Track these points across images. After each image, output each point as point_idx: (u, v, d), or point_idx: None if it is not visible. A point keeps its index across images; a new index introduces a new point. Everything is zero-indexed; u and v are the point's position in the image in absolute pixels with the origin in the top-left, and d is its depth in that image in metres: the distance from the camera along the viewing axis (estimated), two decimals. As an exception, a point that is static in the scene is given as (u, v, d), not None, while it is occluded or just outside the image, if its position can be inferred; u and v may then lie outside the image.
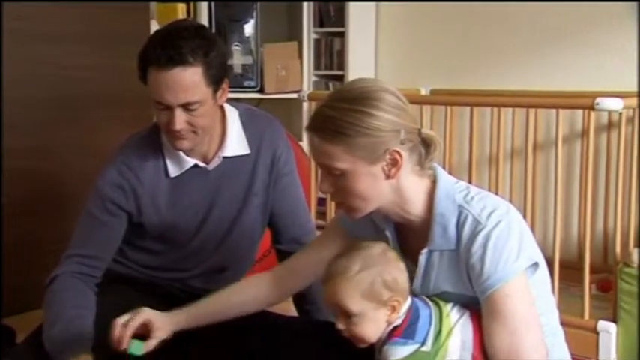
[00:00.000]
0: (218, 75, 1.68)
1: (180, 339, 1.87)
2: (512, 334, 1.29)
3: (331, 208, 2.91)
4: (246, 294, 1.62)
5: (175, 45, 1.62)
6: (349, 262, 1.34)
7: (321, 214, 3.11)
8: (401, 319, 1.34)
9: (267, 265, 2.79)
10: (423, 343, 1.31)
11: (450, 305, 1.37)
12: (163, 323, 1.53)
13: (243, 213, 1.88)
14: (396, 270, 1.34)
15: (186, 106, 1.65)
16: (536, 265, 1.35)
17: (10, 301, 2.42)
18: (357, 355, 1.48)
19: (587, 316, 2.45)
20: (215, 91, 1.70)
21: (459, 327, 1.35)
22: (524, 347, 1.29)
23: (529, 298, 1.33)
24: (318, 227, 2.16)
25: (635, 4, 2.99)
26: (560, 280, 2.38)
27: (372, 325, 1.33)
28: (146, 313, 1.52)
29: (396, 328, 1.33)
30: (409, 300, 1.36)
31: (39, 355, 1.64)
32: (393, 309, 1.33)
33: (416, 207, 1.38)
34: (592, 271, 2.51)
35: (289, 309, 2.16)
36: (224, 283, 1.97)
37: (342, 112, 1.31)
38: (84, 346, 1.61)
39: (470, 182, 2.62)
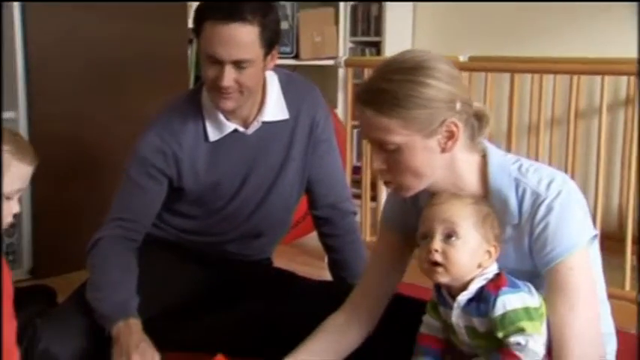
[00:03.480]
0: (272, 39, 1.69)
1: (210, 304, 1.90)
2: (571, 309, 1.27)
3: (366, 177, 2.89)
4: (329, 352, 1.46)
5: (235, 2, 1.63)
6: (462, 196, 1.31)
7: (356, 183, 3.10)
8: (492, 274, 1.29)
9: (302, 230, 2.81)
10: (531, 296, 1.27)
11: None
12: None
13: (281, 178, 1.88)
14: (498, 225, 1.31)
15: (237, 64, 1.65)
16: (595, 236, 1.33)
17: (47, 264, 2.46)
18: (389, 319, 1.48)
19: (627, 287, 2.41)
20: (266, 55, 1.69)
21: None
22: (580, 323, 1.27)
23: (590, 271, 1.30)
24: (353, 196, 2.15)
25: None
26: (601, 252, 2.33)
27: (467, 256, 1.26)
28: None
29: (496, 283, 1.28)
30: (496, 265, 1.32)
31: (85, 313, 1.67)
32: (489, 254, 1.28)
33: (470, 183, 1.34)
34: (633, 242, 2.46)
35: (325, 275, 2.16)
36: (259, 249, 2.00)
37: (397, 84, 1.26)
38: (131, 310, 1.65)
39: (508, 151, 2.58)
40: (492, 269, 1.30)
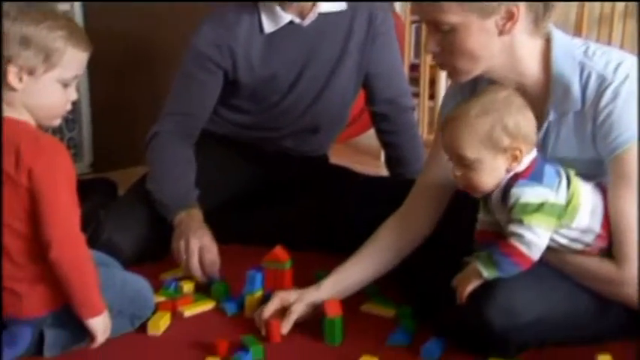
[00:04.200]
0: None
1: (267, 199, 1.91)
2: (637, 197, 1.22)
3: (425, 74, 2.81)
4: (381, 258, 1.45)
5: None
6: (469, 106, 1.26)
7: (414, 80, 3.02)
8: (523, 166, 1.26)
9: (358, 129, 2.77)
10: (553, 191, 1.24)
11: (574, 171, 1.29)
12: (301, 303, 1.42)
13: (338, 72, 1.83)
14: (520, 116, 1.25)
15: None
16: None
17: (107, 159, 2.51)
18: (453, 215, 1.45)
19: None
20: None
21: (588, 191, 1.27)
22: None
23: None
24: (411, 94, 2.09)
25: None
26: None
27: (489, 173, 1.25)
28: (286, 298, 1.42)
29: (518, 174, 1.26)
30: (534, 152, 1.28)
31: (146, 204, 1.70)
32: (514, 158, 1.25)
33: (531, 67, 1.28)
34: None
35: (381, 174, 2.14)
36: (316, 144, 1.98)
37: None
38: (192, 201, 1.68)
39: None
40: (525, 162, 1.26)
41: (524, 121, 1.25)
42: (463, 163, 1.26)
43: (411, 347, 1.35)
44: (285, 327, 1.37)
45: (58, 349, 1.30)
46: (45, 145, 1.24)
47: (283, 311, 1.40)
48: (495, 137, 1.23)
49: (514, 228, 1.22)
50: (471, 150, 1.24)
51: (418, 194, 1.47)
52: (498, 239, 1.28)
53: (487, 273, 1.24)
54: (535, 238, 1.22)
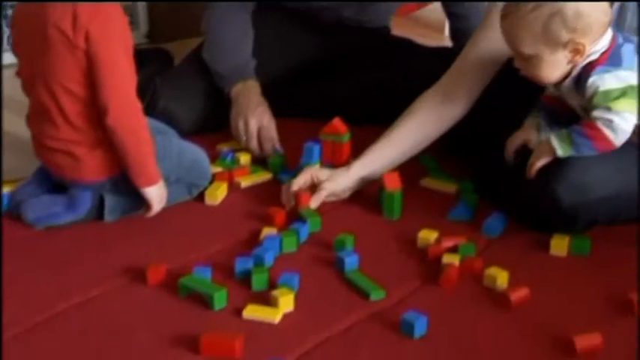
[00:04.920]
0: None
1: (325, 72, 1.85)
2: None
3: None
4: (416, 136, 1.40)
5: None
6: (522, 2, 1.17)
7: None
8: (597, 53, 1.18)
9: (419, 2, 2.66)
10: (635, 72, 1.16)
11: None
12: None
13: None
14: (584, 4, 1.15)
15: None
16: None
17: (163, 29, 2.47)
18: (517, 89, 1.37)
19: None
20: None
21: None
22: None
23: None
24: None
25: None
26: None
27: (549, 68, 1.20)
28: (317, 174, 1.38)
29: (593, 62, 1.18)
30: (609, 33, 1.19)
31: (203, 74, 1.67)
32: (577, 52, 1.17)
33: None
34: None
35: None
36: (376, 14, 1.89)
37: None
38: (249, 72, 1.64)
39: None
40: (599, 47, 1.18)
41: (588, 9, 1.14)
42: (521, 57, 1.20)
43: (472, 222, 1.32)
44: (314, 203, 1.35)
45: (117, 214, 1.31)
46: (101, 5, 1.20)
47: (312, 188, 1.37)
48: (553, 32, 1.15)
49: (601, 113, 1.17)
50: (527, 47, 1.18)
51: (462, 68, 1.39)
52: (566, 110, 1.24)
53: (562, 151, 1.20)
54: (624, 123, 1.16)
